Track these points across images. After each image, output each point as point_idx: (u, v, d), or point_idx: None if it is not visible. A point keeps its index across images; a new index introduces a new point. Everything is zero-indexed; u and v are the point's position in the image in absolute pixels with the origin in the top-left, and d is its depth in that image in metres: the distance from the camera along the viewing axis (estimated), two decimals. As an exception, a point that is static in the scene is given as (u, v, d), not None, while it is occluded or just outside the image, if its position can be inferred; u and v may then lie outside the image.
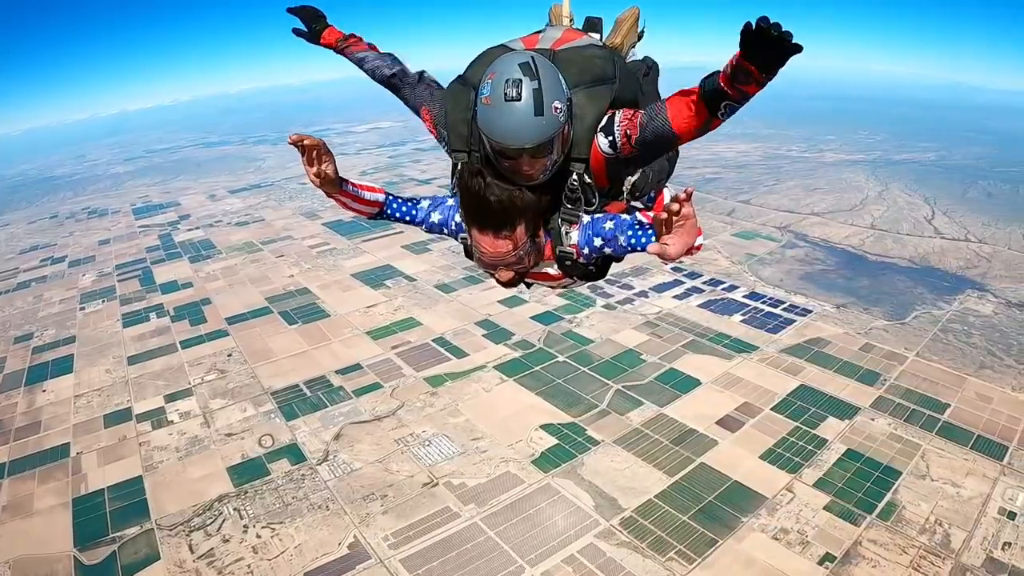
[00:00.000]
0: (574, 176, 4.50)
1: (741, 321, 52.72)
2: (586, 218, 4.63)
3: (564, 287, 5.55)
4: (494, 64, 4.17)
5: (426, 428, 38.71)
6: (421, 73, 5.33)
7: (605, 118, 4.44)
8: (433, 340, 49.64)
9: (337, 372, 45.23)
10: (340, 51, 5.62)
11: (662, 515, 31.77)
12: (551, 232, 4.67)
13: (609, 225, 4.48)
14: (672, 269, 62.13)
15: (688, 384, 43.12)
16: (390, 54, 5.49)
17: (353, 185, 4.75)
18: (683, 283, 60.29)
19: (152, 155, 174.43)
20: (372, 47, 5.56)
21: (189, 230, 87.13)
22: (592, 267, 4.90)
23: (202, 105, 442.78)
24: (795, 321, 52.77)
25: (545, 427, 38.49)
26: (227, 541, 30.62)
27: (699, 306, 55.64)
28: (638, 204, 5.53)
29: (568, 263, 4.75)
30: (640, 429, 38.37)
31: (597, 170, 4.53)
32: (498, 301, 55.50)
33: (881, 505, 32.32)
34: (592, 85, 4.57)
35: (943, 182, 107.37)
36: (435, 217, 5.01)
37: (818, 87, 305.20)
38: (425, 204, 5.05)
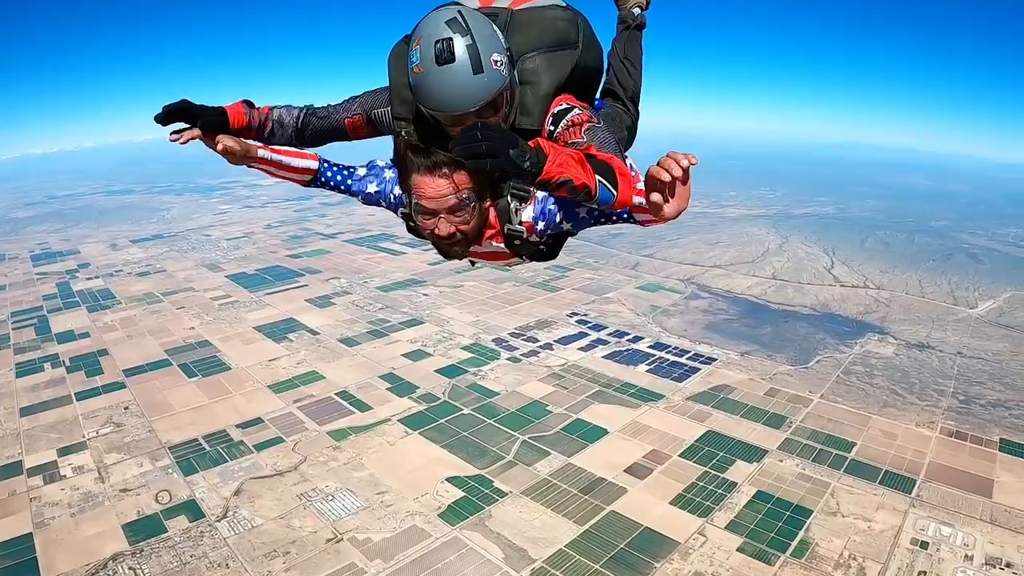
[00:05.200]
0: None
1: (647, 371, 53.56)
2: (540, 192, 4.24)
3: (511, 266, 5.16)
4: (418, 27, 3.75)
5: (329, 482, 37.82)
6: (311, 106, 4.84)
7: (561, 106, 4.13)
8: (336, 394, 48.94)
9: (238, 426, 44.01)
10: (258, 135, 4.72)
11: (573, 564, 31.49)
12: (499, 208, 4.31)
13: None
14: (577, 321, 63.58)
15: (595, 434, 43.36)
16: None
17: (276, 152, 4.45)
18: (588, 335, 61.17)
19: (53, 201, 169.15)
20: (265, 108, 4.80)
21: (88, 279, 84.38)
22: (543, 246, 4.53)
23: (107, 152, 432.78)
24: (700, 369, 53.94)
25: (451, 480, 38.09)
26: (122, 603, 29.10)
27: (604, 357, 56.33)
28: None
29: (518, 242, 4.41)
30: (548, 479, 38.26)
31: (545, 144, 3.87)
32: (402, 355, 55.79)
33: (794, 544, 32.90)
34: (552, 49, 4.24)
35: (842, 233, 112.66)
36: (371, 188, 4.65)
37: (719, 147, 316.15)
38: (361, 172, 4.71)
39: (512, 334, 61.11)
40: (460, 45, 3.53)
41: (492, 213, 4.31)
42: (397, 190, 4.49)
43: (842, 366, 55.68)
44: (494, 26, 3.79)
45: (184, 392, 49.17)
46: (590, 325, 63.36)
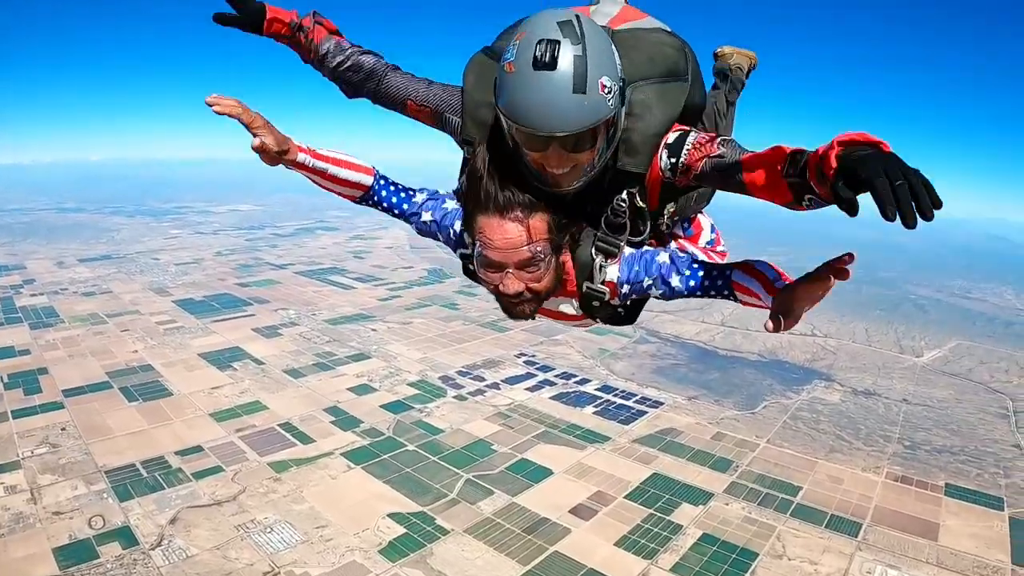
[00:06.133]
0: (623, 195, 3.43)
1: (593, 413, 53.62)
2: (628, 250, 3.61)
3: (582, 327, 4.41)
4: (525, 21, 3.04)
5: (268, 514, 37.07)
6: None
7: (675, 134, 3.41)
8: (279, 425, 48.18)
9: (177, 453, 43.05)
10: (294, 42, 4.04)
11: (517, 605, 31.04)
12: (578, 261, 3.60)
13: (664, 259, 3.52)
14: (524, 362, 63.69)
15: (540, 474, 43.24)
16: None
17: (323, 159, 3.69)
18: (535, 376, 61.16)
19: (3, 214, 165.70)
20: (339, 35, 4.08)
21: (32, 295, 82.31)
22: (621, 309, 3.81)
23: (62, 169, 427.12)
24: (647, 413, 54.08)
25: (393, 516, 37.62)
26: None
27: (551, 398, 56.31)
28: (677, 231, 4.43)
29: (596, 304, 3.70)
30: (491, 518, 37.93)
31: (651, 191, 3.55)
32: (347, 389, 55.33)
33: None
34: (664, 80, 3.49)
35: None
36: (427, 216, 3.92)
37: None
38: (420, 198, 3.96)
39: (459, 372, 60.91)
40: (567, 53, 2.82)
41: (568, 266, 3.61)
42: (458, 226, 3.81)
43: (789, 412, 56.28)
44: (613, 46, 3.08)
45: (124, 416, 48.05)
46: (538, 366, 63.37)
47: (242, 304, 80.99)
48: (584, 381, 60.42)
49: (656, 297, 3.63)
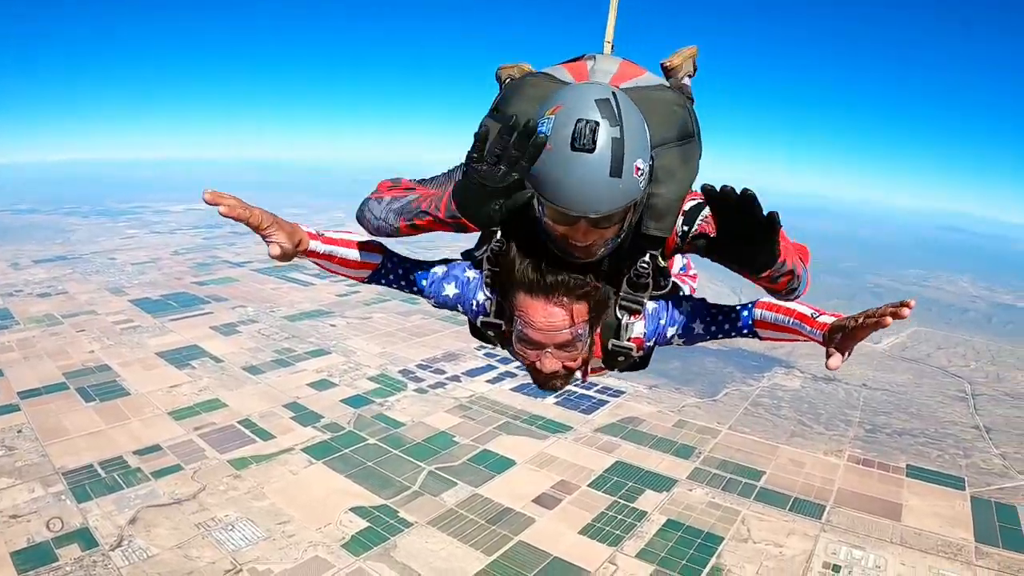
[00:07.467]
0: (646, 258, 3.41)
1: (555, 403, 53.57)
2: (651, 305, 3.62)
3: (596, 376, 4.34)
4: (561, 93, 2.97)
5: (229, 512, 36.76)
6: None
7: (691, 203, 3.41)
8: (238, 422, 47.74)
9: (135, 453, 42.51)
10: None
11: (481, 595, 31.13)
12: (604, 323, 3.54)
13: (686, 308, 3.62)
14: (484, 354, 63.30)
15: (503, 464, 43.31)
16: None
17: (331, 243, 3.59)
18: (496, 368, 61.03)
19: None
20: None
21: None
22: (638, 358, 3.81)
23: (17, 170, 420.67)
24: (608, 402, 54.34)
25: (355, 510, 37.49)
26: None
27: (512, 389, 56.42)
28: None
29: (622, 359, 3.71)
30: (455, 510, 37.97)
31: (667, 250, 3.52)
32: (307, 384, 55.10)
33: (706, 570, 33.41)
34: (681, 143, 3.45)
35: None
36: (450, 290, 3.77)
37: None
38: (438, 271, 3.81)
39: (419, 366, 60.98)
40: (605, 135, 2.75)
41: (596, 333, 3.59)
42: (480, 296, 3.72)
43: (750, 398, 57.01)
44: (646, 124, 3.00)
45: (81, 417, 47.40)
46: (498, 358, 62.82)
47: (200, 302, 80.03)
48: (545, 372, 60.12)
49: (678, 344, 3.72)
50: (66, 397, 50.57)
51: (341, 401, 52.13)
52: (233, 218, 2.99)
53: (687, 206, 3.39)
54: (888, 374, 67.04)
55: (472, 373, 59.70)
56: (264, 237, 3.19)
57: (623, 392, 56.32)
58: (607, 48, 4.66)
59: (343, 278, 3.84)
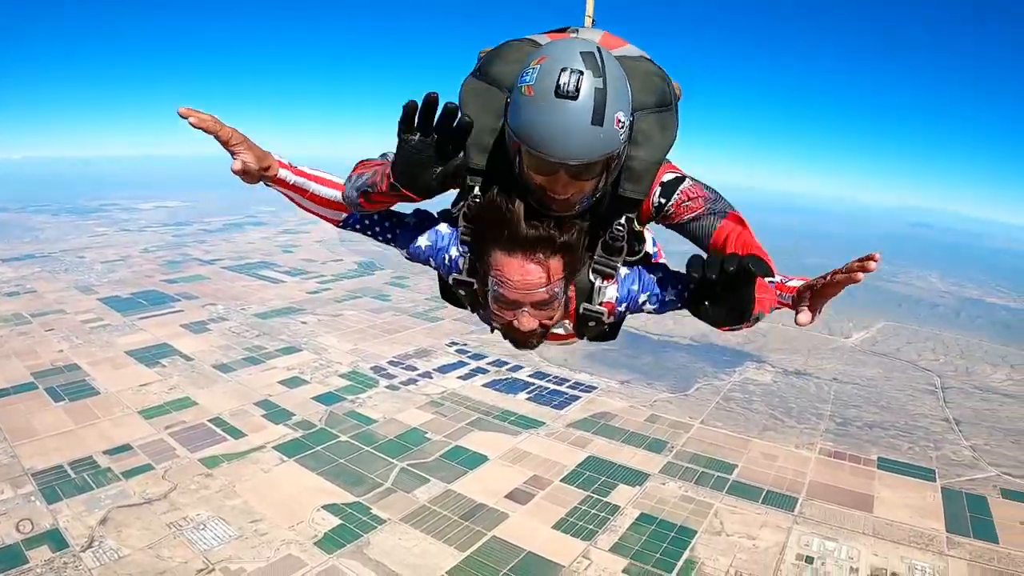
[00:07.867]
0: (622, 220, 3.45)
1: (527, 399, 53.96)
2: (623, 270, 3.65)
3: (565, 345, 4.58)
4: (547, 46, 3.09)
5: (201, 511, 36.45)
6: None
7: (671, 174, 3.50)
8: (209, 420, 47.35)
9: (105, 452, 42.04)
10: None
11: (455, 591, 31.19)
12: (577, 285, 3.58)
13: (658, 275, 3.64)
14: (456, 351, 63.87)
15: (475, 460, 43.39)
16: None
17: (304, 176, 3.54)
18: (468, 364, 61.37)
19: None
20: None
21: (-47, 298, 79.62)
22: (607, 327, 3.84)
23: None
24: (581, 397, 54.66)
25: (328, 507, 37.36)
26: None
27: (484, 385, 56.58)
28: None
29: (592, 324, 3.70)
30: (427, 506, 37.98)
31: (642, 216, 3.58)
32: (278, 382, 54.81)
33: (680, 564, 33.57)
34: (659, 110, 3.47)
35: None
36: (423, 241, 3.76)
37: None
38: (412, 220, 3.82)
39: (391, 363, 60.77)
40: (588, 85, 2.84)
41: (571, 293, 3.62)
42: (453, 252, 3.72)
43: (721, 393, 57.39)
44: (627, 81, 3.11)
45: (50, 417, 46.75)
46: (470, 354, 63.36)
47: (170, 300, 79.17)
48: (517, 368, 60.52)
49: (649, 312, 3.71)
50: (35, 397, 49.86)
51: (312, 398, 51.94)
52: (203, 129, 3.05)
53: (665, 178, 3.48)
54: (858, 368, 67.83)
55: (444, 369, 59.62)
56: (232, 153, 3.20)
57: (595, 387, 56.63)
58: (588, 22, 4.70)
59: (315, 217, 3.80)
